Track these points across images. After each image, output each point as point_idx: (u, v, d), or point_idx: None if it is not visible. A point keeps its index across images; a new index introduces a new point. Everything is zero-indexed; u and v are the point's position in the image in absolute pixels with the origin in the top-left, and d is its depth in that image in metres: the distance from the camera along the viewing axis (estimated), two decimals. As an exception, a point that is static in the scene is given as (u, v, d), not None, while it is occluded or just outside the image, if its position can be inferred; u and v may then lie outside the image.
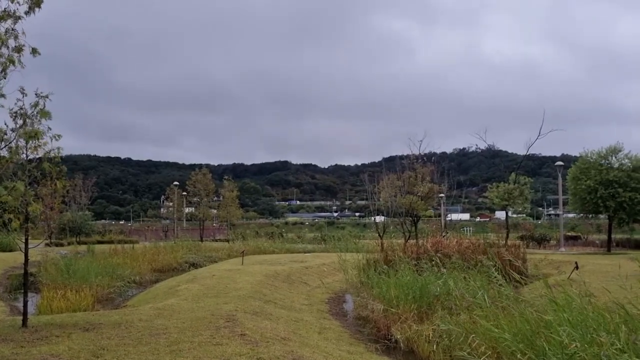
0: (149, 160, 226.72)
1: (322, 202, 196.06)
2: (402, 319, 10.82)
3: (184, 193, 59.94)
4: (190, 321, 9.73)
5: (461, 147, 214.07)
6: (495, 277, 10.26)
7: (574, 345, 6.05)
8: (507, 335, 7.26)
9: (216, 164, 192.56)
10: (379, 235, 28.45)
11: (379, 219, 34.88)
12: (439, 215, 47.18)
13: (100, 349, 7.62)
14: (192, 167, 77.86)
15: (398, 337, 10.13)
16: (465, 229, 59.89)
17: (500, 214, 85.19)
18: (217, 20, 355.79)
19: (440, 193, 35.60)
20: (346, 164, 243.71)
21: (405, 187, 29.03)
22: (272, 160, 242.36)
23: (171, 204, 61.41)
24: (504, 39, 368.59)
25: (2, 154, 6.98)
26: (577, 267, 14.23)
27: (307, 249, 35.97)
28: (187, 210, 65.51)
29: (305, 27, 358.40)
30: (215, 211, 61.48)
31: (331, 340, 10.12)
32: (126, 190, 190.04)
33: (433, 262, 13.54)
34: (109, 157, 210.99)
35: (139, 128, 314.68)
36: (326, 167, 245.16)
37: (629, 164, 32.35)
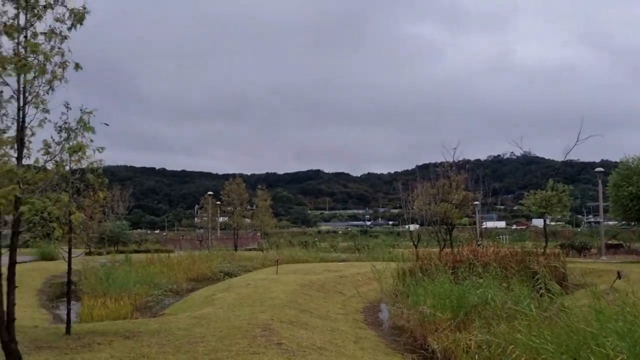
0: (183, 171, 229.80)
1: (355, 211, 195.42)
2: (438, 328, 10.69)
3: (218, 202, 60.59)
4: (227, 330, 9.81)
5: (495, 154, 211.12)
6: (545, 284, 10.03)
7: (621, 358, 5.87)
8: (549, 347, 7.09)
9: (249, 174, 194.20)
10: (414, 243, 28.22)
11: (413, 227, 34.60)
12: (474, 224, 46.52)
13: (141, 357, 7.75)
14: (226, 176, 78.61)
15: (435, 347, 10.00)
16: (501, 237, 58.85)
17: (538, 222, 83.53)
18: (240, 30, 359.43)
19: (475, 201, 35.15)
20: (379, 172, 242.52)
21: (439, 195, 28.73)
22: (304, 169, 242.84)
23: (205, 213, 62.12)
24: (537, 42, 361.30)
25: (48, 167, 7.22)
26: (619, 277, 13.84)
27: (341, 258, 35.91)
28: (220, 219, 66.18)
29: (331, 33, 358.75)
30: (248, 220, 61.95)
31: (367, 349, 10.07)
32: (161, 200, 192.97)
33: (472, 271, 13.36)
34: (144, 168, 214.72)
35: (171, 138, 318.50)
36: (358, 175, 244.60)
37: (673, 170, 31.37)
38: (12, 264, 7.02)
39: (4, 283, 6.94)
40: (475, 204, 37.73)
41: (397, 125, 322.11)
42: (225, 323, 10.59)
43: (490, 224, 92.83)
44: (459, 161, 29.97)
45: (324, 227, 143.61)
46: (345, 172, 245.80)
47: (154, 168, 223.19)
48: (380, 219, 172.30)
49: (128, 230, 56.87)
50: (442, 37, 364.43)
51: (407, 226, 40.27)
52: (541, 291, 9.89)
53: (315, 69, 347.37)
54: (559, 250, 26.91)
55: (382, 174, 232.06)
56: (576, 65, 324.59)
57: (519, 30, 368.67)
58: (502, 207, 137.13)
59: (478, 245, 22.58)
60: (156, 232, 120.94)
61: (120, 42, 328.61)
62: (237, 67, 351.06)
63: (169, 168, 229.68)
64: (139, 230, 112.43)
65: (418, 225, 32.83)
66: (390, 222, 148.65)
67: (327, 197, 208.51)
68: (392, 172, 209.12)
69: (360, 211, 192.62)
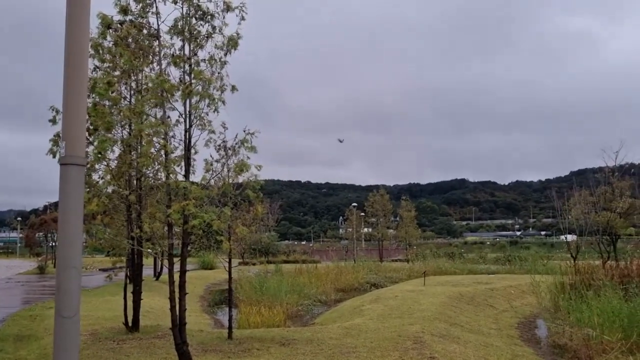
0: (327, 183, 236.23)
1: (503, 221, 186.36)
2: (607, 350, 9.76)
3: (362, 214, 61.23)
4: (378, 341, 9.82)
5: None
6: None
7: None
8: None
9: (392, 184, 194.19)
10: (572, 255, 26.17)
11: (570, 237, 32.10)
12: (643, 234, 41.97)
13: (297, 364, 8.03)
14: (368, 188, 79.41)
15: (604, 370, 9.15)
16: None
17: None
18: (374, 38, 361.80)
19: (644, 209, 31.71)
20: (528, 179, 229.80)
21: (600, 204, 26.40)
22: (447, 178, 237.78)
23: (350, 224, 63.05)
24: None
25: (212, 183, 7.86)
26: None
27: (490, 269, 34.39)
28: (365, 230, 66.81)
29: (468, 33, 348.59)
30: (392, 231, 61.82)
31: (526, 368, 9.50)
32: (306, 212, 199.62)
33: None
34: (290, 181, 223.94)
35: (313, 151, 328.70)
36: (506, 183, 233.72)
37: None
38: (183, 272, 7.69)
39: (176, 290, 7.62)
40: (644, 212, 34.05)
41: (548, 129, 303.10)
42: (375, 334, 10.62)
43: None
44: (623, 165, 27.27)
45: (470, 237, 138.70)
46: (492, 180, 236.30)
47: (299, 181, 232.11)
48: (531, 229, 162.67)
49: (276, 241, 59.59)
50: (598, 29, 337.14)
51: (562, 237, 37.52)
52: None
53: (458, 72, 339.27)
54: None
55: (532, 181, 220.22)
56: None
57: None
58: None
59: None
60: (302, 243, 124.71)
61: (258, 54, 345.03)
62: (377, 75, 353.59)
63: (313, 181, 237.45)
64: (286, 241, 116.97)
65: (575, 236, 30.47)
66: (543, 233, 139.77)
67: (473, 207, 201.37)
68: (544, 179, 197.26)
69: (509, 221, 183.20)
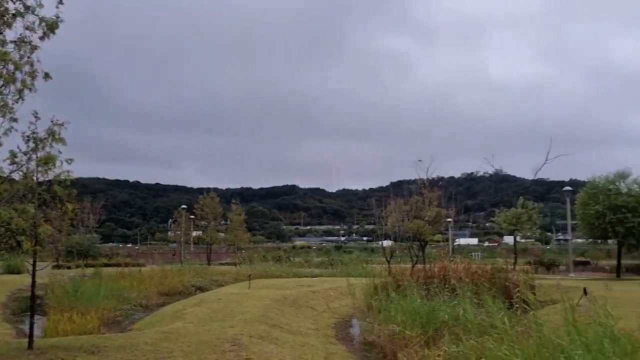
0: (157, 184, 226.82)
1: (330, 226, 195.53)
2: (408, 344, 10.71)
3: (192, 216, 59.99)
4: (196, 345, 9.70)
5: (469, 172, 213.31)
6: (520, 297, 10.18)
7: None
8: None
9: (224, 188, 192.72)
10: (387, 259, 28.35)
11: (387, 243, 34.81)
12: (447, 240, 46.97)
13: (106, 372, 7.61)
14: (200, 190, 77.75)
15: (405, 362, 10.01)
16: (473, 254, 59.47)
17: (509, 239, 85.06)
18: (215, 40, 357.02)
19: (448, 218, 35.58)
20: (354, 188, 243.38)
21: (412, 212, 29.00)
22: (280, 184, 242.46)
23: (179, 227, 61.39)
24: (509, 58, 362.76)
25: (13, 177, 7.12)
26: (585, 293, 14.06)
27: (314, 273, 35.78)
28: (194, 233, 65.46)
29: (302, 45, 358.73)
30: (222, 235, 61.41)
31: (338, 365, 10.04)
32: (134, 213, 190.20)
33: (446, 287, 13.50)
34: (117, 181, 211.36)
35: (146, 150, 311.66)
36: (334, 191, 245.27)
37: (638, 189, 32.18)
38: (-26, 276, 6.85)
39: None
40: (448, 221, 38.15)
41: (372, 141, 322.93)
42: (194, 338, 10.47)
43: (463, 241, 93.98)
44: (433, 178, 30.32)
45: (298, 242, 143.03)
46: (321, 187, 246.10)
47: (127, 181, 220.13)
48: (354, 235, 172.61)
49: (98, 243, 55.89)
50: (416, 51, 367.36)
51: (380, 242, 40.45)
52: (516, 305, 10.03)
53: (292, 82, 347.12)
54: (528, 267, 27.32)
55: (357, 190, 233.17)
56: (547, 82, 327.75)
57: (492, 44, 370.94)
58: (475, 224, 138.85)
59: (450, 262, 22.79)
60: (128, 245, 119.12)
61: (89, 45, 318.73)
62: (214, 78, 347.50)
63: (142, 181, 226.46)
64: (110, 243, 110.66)
65: (391, 242, 33.07)
66: (365, 238, 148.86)
67: (303, 212, 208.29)
68: (367, 188, 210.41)
69: (335, 227, 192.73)
